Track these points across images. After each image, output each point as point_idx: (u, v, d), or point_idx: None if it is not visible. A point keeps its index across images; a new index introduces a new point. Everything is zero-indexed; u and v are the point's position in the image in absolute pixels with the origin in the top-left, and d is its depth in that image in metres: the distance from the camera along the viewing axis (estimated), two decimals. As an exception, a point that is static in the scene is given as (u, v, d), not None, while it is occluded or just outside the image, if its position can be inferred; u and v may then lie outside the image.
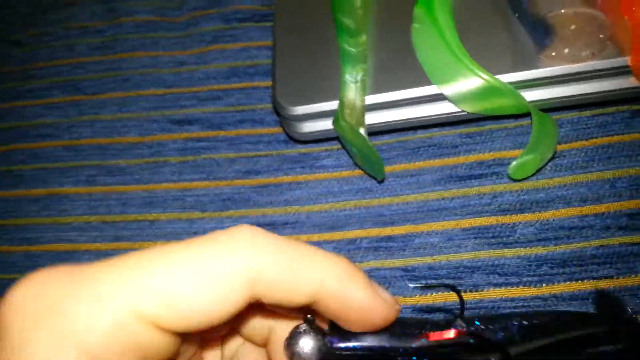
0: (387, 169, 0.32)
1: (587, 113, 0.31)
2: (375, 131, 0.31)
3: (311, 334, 0.17)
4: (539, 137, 0.28)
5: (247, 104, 0.37)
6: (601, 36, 0.26)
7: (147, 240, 0.33)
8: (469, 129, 0.32)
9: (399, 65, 0.29)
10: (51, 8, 0.45)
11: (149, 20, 0.43)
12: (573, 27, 0.26)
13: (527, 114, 0.29)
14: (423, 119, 0.30)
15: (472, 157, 0.32)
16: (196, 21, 0.41)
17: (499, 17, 0.28)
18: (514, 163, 0.28)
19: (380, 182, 0.31)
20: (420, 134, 0.33)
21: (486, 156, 0.31)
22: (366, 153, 0.29)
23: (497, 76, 0.27)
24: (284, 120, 0.31)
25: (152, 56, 0.40)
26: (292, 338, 0.17)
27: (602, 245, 0.28)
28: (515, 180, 0.30)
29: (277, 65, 0.31)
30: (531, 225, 0.29)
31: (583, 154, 0.30)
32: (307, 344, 0.17)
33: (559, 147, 0.31)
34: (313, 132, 0.31)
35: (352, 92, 0.28)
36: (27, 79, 0.41)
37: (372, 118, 0.30)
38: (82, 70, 0.41)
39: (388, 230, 0.30)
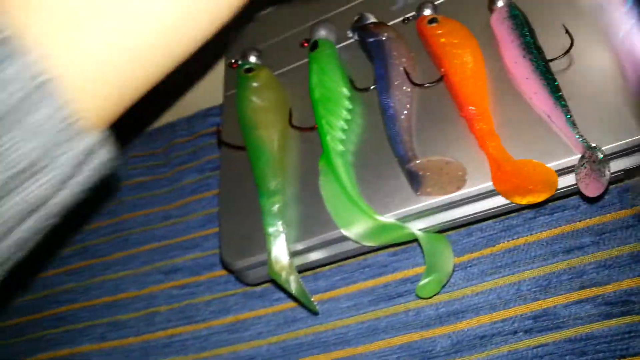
0: (330, 294, 0.37)
1: (493, 219, 0.34)
2: (308, 268, 0.36)
3: None
4: (432, 258, 0.31)
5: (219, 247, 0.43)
6: (459, 173, 0.30)
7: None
8: (396, 247, 0.37)
9: (314, 214, 0.34)
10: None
11: (142, 181, 0.51)
12: (433, 170, 0.30)
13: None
14: (344, 253, 0.35)
15: (399, 275, 0.36)
16: (179, 176, 0.49)
17: (388, 165, 0.33)
18: (418, 285, 0.32)
19: (315, 314, 0.36)
20: (357, 257, 0.37)
21: (411, 272, 0.35)
22: (296, 296, 0.34)
23: (387, 214, 0.32)
24: (236, 272, 0.37)
25: (145, 214, 0.48)
26: None
27: (510, 351, 0.30)
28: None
29: (221, 225, 0.37)
30: (449, 338, 0.32)
31: (491, 260, 0.33)
32: None
33: (471, 256, 0.34)
34: (259, 277, 0.36)
35: (276, 244, 0.34)
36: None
37: (301, 260, 0.35)
38: (94, 235, 0.49)
39: (333, 355, 0.35)
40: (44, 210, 0.22)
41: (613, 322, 0.29)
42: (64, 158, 0.21)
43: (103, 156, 0.23)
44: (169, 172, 0.50)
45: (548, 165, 0.29)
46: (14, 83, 0.19)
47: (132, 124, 0.58)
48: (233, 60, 0.42)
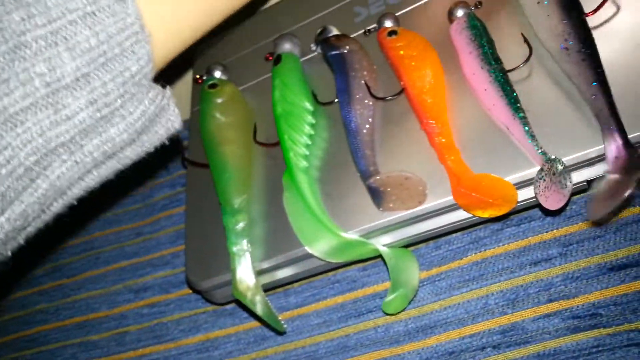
0: (299, 311, 0.36)
1: (460, 231, 0.34)
2: (275, 286, 0.35)
3: None
4: (397, 273, 0.31)
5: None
6: (420, 188, 0.29)
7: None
8: (365, 262, 0.36)
9: (280, 231, 0.34)
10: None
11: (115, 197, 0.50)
12: (394, 186, 0.30)
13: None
14: (310, 270, 0.34)
15: (369, 290, 0.35)
16: (151, 192, 0.48)
17: (352, 181, 0.32)
18: (384, 301, 0.31)
19: (282, 334, 0.35)
20: (327, 273, 0.37)
21: (380, 287, 0.35)
22: (262, 317, 0.33)
23: (351, 230, 0.31)
24: (202, 292, 0.36)
25: (117, 232, 0.47)
26: None
27: (478, 367, 0.30)
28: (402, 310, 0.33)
29: (187, 244, 0.37)
30: (418, 354, 0.32)
31: (459, 273, 0.33)
32: None
33: (439, 269, 0.33)
34: (226, 297, 0.36)
35: (240, 263, 0.33)
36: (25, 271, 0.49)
37: (267, 278, 0.34)
38: (65, 254, 0.48)
39: (301, 373, 0.34)
40: (115, 161, 0.26)
41: (581, 336, 0.29)
42: (141, 108, 0.25)
43: (171, 116, 0.27)
44: (141, 187, 0.50)
45: (507, 178, 0.28)
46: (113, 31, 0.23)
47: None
48: (198, 76, 0.41)
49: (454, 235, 0.34)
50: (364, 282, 0.35)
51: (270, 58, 0.39)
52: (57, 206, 0.25)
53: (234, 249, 0.33)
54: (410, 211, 0.30)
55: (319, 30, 0.37)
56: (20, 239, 0.25)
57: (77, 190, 0.25)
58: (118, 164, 0.27)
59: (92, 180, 0.26)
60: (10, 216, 0.22)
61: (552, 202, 0.27)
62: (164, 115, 0.27)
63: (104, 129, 0.24)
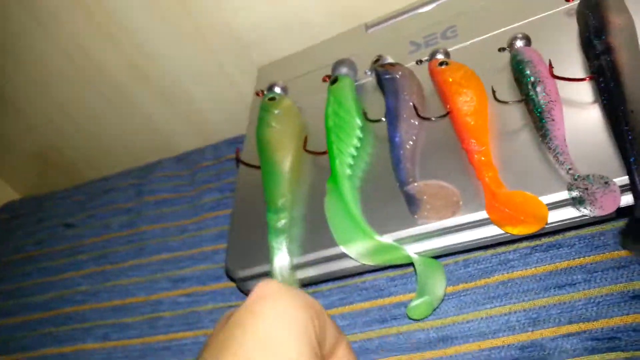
0: (328, 312, 0.38)
1: (490, 252, 0.36)
2: (308, 283, 0.37)
3: None
4: (424, 281, 0.33)
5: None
6: (454, 199, 0.31)
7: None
8: (395, 272, 0.38)
9: (318, 232, 0.36)
10: (97, 194, 0.58)
11: (166, 197, 0.54)
12: (430, 194, 0.32)
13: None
14: (342, 271, 0.36)
15: (395, 299, 0.37)
16: (201, 194, 0.52)
17: (391, 191, 0.35)
18: (409, 306, 0.33)
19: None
20: (356, 279, 0.39)
21: (406, 297, 0.36)
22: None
23: (386, 235, 0.33)
24: (238, 281, 0.39)
25: (163, 227, 0.51)
26: None
27: (495, 379, 0.31)
28: (425, 319, 0.34)
29: (230, 235, 0.40)
30: (437, 362, 0.33)
31: (484, 290, 0.34)
32: None
33: (465, 286, 0.35)
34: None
35: (278, 256, 0.36)
36: (73, 255, 0.53)
37: (301, 274, 0.36)
38: (113, 244, 0.52)
39: (323, 371, 0.35)
40: None
41: (597, 358, 0.29)
42: None
43: None
44: (192, 190, 0.53)
45: (541, 198, 0.30)
46: None
47: (160, 147, 0.62)
48: (259, 90, 0.45)
49: (482, 255, 0.36)
50: (390, 291, 0.37)
51: (327, 80, 0.43)
52: None
53: (274, 243, 0.36)
54: (444, 222, 0.32)
55: (375, 58, 0.41)
56: None
57: None
58: None
59: None
60: None
61: (608, 205, 0.28)
62: None
63: None
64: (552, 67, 0.33)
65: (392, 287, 0.37)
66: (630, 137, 0.28)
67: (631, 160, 0.27)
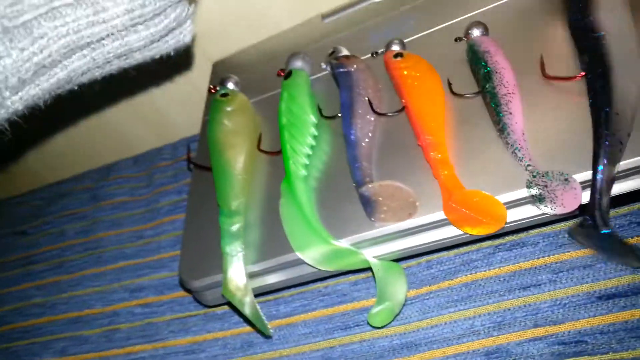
0: (288, 320, 0.36)
1: (453, 252, 0.34)
2: (265, 291, 0.36)
3: None
4: (384, 287, 0.31)
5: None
6: (410, 200, 0.30)
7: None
8: (357, 276, 0.36)
9: (274, 236, 0.34)
10: (53, 199, 0.55)
11: (123, 201, 0.52)
12: (385, 196, 0.30)
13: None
14: (301, 277, 0.34)
15: (358, 304, 0.35)
16: (157, 197, 0.50)
17: (348, 192, 0.33)
18: (370, 313, 0.31)
19: (268, 338, 0.35)
20: (318, 284, 0.37)
21: (369, 302, 0.35)
22: (250, 318, 0.33)
23: (343, 239, 0.32)
24: (192, 291, 0.37)
25: (119, 233, 0.49)
26: None
27: (459, 387, 0.29)
28: (389, 325, 0.33)
29: (183, 244, 0.37)
30: (400, 371, 0.31)
31: (448, 293, 0.33)
32: None
33: (429, 289, 0.33)
34: (217, 299, 0.36)
35: (232, 264, 0.34)
36: (28, 265, 0.50)
37: (258, 282, 0.35)
38: (69, 252, 0.49)
39: (285, 383, 0.34)
40: (122, 60, 0.29)
41: (564, 363, 0.28)
42: (166, 22, 0.28)
43: (184, 30, 0.30)
44: (149, 193, 0.51)
45: (499, 197, 0.28)
46: None
47: (118, 148, 0.59)
48: (212, 86, 0.43)
49: (446, 255, 0.34)
50: (353, 296, 0.36)
51: (282, 74, 0.41)
52: (63, 90, 0.28)
53: (227, 249, 0.34)
54: (401, 224, 0.31)
55: (330, 51, 0.39)
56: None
57: (83, 79, 0.28)
58: (124, 63, 0.29)
59: (97, 73, 0.29)
60: (23, 97, 0.25)
61: (569, 203, 0.27)
62: (179, 28, 0.30)
63: (127, 35, 0.26)
64: (544, 65, 0.31)
65: (355, 291, 0.36)
66: (606, 143, 0.26)
67: (599, 168, 0.26)
